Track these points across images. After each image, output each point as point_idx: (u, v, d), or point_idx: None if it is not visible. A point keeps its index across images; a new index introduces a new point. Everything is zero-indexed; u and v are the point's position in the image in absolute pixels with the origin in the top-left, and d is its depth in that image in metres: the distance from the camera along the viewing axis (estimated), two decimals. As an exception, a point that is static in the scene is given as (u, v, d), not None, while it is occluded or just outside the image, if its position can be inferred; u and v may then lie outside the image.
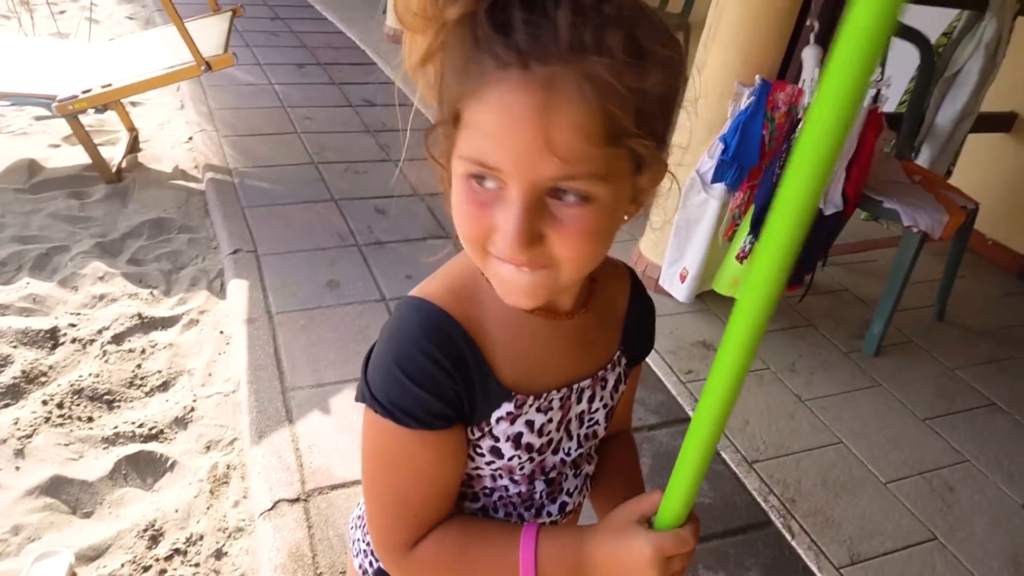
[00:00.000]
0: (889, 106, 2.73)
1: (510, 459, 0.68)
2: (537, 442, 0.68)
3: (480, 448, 0.67)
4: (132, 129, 3.34)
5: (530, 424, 0.67)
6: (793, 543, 1.78)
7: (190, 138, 3.46)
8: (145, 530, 1.62)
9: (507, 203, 0.53)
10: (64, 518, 1.64)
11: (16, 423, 1.82)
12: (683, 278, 2.53)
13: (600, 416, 0.74)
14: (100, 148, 3.00)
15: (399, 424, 0.60)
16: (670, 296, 2.61)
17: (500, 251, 0.55)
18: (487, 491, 0.72)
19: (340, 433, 1.87)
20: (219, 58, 2.91)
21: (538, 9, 0.48)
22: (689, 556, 0.61)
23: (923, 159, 2.90)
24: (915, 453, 2.13)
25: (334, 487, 1.72)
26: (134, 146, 3.29)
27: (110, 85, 2.86)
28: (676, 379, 2.27)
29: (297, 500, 1.67)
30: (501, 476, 0.71)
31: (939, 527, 1.89)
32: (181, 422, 1.92)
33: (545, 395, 0.67)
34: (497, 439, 0.66)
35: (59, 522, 1.62)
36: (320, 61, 4.61)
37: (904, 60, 2.74)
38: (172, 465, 1.80)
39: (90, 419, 1.90)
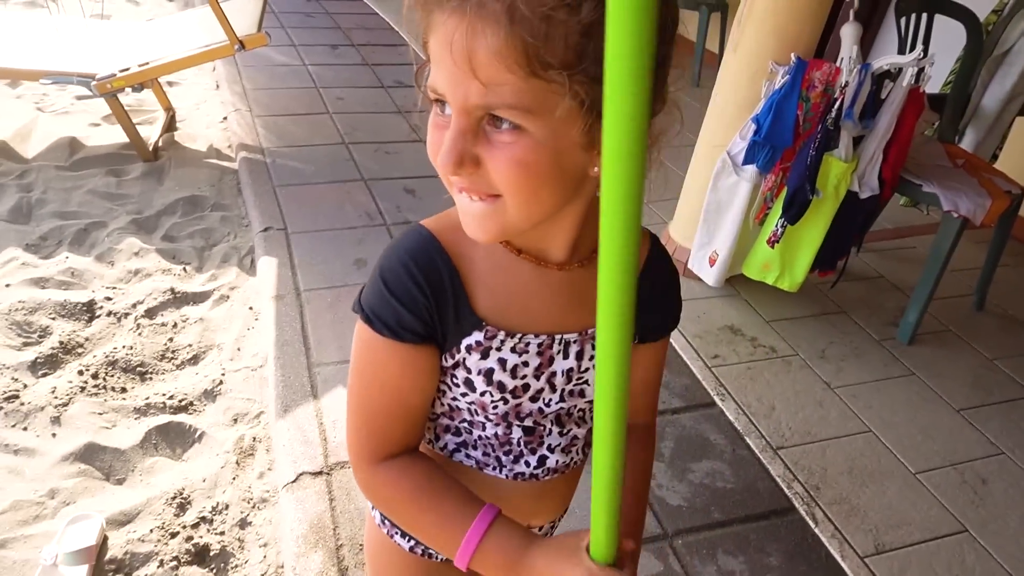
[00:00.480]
0: (933, 86, 2.63)
1: (482, 394, 0.71)
2: (510, 383, 0.71)
3: (456, 378, 0.71)
4: (169, 109, 3.40)
5: (502, 362, 0.69)
6: (816, 530, 1.75)
7: (224, 118, 3.51)
8: (173, 498, 1.67)
9: (449, 128, 0.57)
10: (97, 484, 1.69)
11: (54, 391, 1.88)
12: (712, 262, 2.49)
13: (590, 377, 0.74)
14: (138, 127, 3.07)
15: (374, 331, 0.65)
16: (699, 280, 2.58)
17: (440, 169, 0.59)
18: (467, 426, 0.76)
19: (363, 409, 1.89)
20: (252, 37, 2.94)
21: None
22: None
23: (967, 142, 2.80)
24: (948, 444, 2.08)
25: (356, 461, 1.74)
26: (170, 125, 3.36)
27: (147, 64, 2.91)
28: (702, 363, 2.24)
29: (320, 473, 1.70)
30: (477, 412, 0.74)
31: (970, 520, 1.84)
32: (210, 395, 1.97)
33: (520, 336, 0.69)
34: (469, 371, 0.70)
35: (92, 487, 1.68)
36: (354, 42, 4.63)
37: (951, 38, 2.64)
38: (200, 436, 1.84)
39: (123, 390, 1.95)
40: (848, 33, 2.08)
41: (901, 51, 2.56)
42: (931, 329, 2.56)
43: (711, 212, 2.42)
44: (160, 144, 3.18)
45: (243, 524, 1.64)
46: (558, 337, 0.70)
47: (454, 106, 0.56)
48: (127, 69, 2.87)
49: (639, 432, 0.83)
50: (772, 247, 2.29)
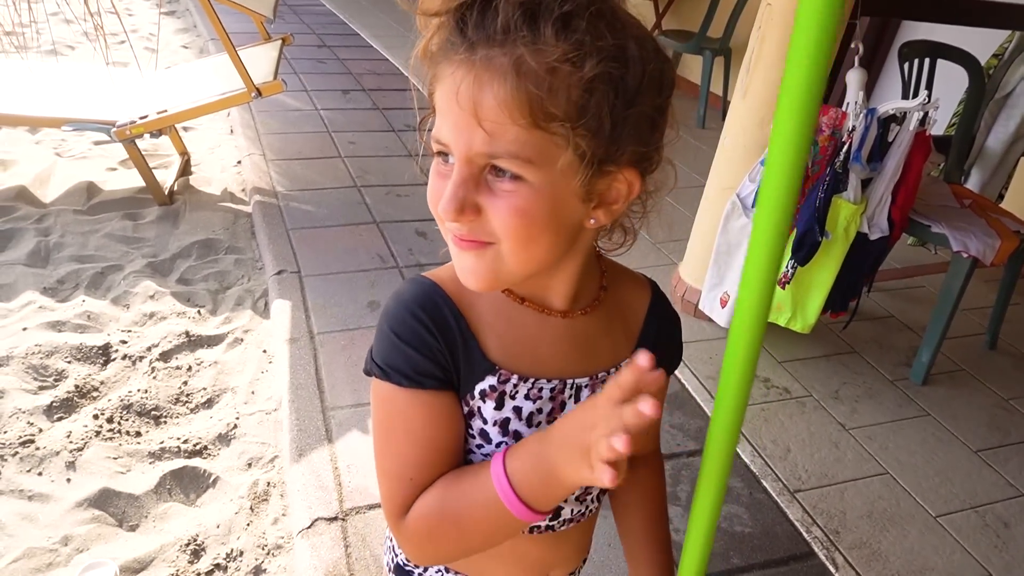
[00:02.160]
0: (937, 129, 2.67)
1: (498, 445, 0.70)
2: (526, 431, 0.70)
3: (471, 429, 0.70)
4: (184, 153, 3.47)
5: (518, 411, 0.69)
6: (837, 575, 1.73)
7: (239, 162, 3.57)
8: (187, 544, 1.65)
9: (452, 175, 0.59)
10: (111, 530, 1.68)
11: (69, 436, 1.88)
12: (724, 303, 2.50)
13: None
14: (154, 171, 3.12)
15: (392, 383, 0.65)
16: (711, 321, 2.58)
17: (441, 218, 0.60)
18: None
19: (378, 453, 1.88)
20: (269, 85, 3.01)
21: (490, 5, 0.55)
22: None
23: (973, 183, 2.83)
24: (967, 486, 2.05)
25: (371, 507, 1.73)
26: (186, 169, 3.41)
27: (165, 111, 2.98)
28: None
29: (335, 519, 1.69)
30: None
31: (993, 564, 1.81)
32: (224, 439, 1.97)
33: (533, 380, 0.69)
34: (485, 421, 0.69)
35: (106, 534, 1.67)
36: (364, 87, 4.73)
37: (953, 82, 2.69)
38: (215, 481, 1.84)
39: (138, 434, 1.95)
40: (854, 79, 2.13)
41: (905, 95, 2.60)
42: (944, 369, 2.55)
43: (722, 254, 2.44)
44: (175, 188, 3.23)
45: (257, 571, 1.62)
46: (569, 382, 0.71)
47: (457, 154, 0.58)
48: (146, 116, 2.93)
49: (650, 463, 0.88)
50: (783, 288, 2.30)
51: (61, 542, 1.63)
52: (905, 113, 2.14)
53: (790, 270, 2.26)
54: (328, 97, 4.45)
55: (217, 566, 1.62)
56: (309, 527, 1.66)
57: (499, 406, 0.68)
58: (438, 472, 0.68)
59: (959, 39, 2.64)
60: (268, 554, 1.66)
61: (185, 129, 3.84)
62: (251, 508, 1.77)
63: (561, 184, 0.58)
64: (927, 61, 2.66)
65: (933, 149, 2.30)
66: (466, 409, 0.69)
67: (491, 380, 0.67)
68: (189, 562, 1.62)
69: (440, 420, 0.68)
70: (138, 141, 3.01)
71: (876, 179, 2.20)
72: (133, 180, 3.21)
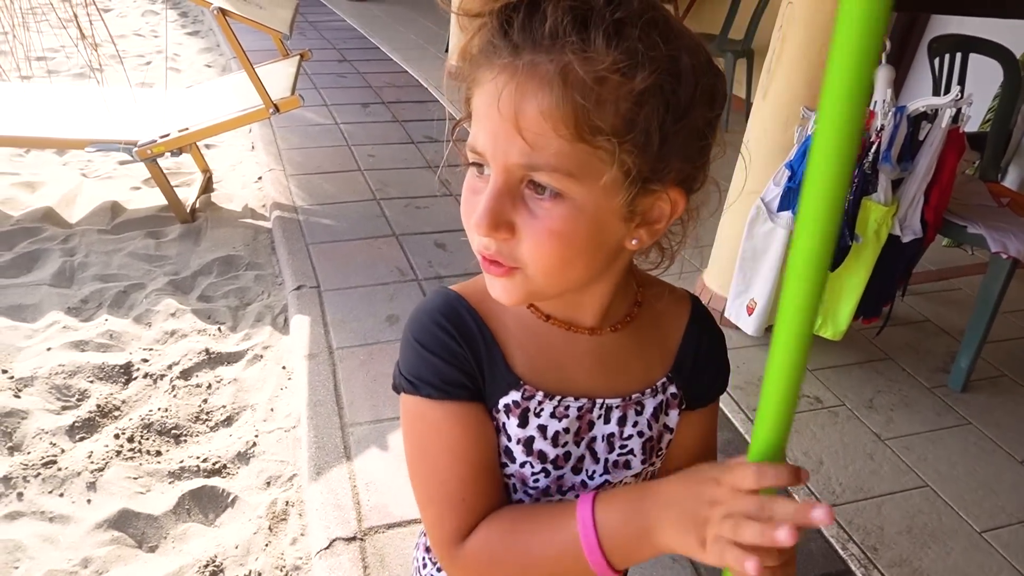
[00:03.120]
0: (972, 125, 2.58)
1: (522, 465, 0.67)
2: (551, 452, 0.67)
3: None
4: (206, 171, 3.50)
5: (543, 429, 0.66)
6: (876, 597, 1.65)
7: (259, 178, 3.59)
8: (206, 566, 1.63)
9: (487, 189, 0.55)
10: (130, 552, 1.67)
11: (90, 456, 1.88)
12: (751, 310, 2.43)
13: (635, 445, 0.70)
14: (176, 189, 3.15)
15: (421, 395, 0.63)
16: (737, 328, 2.51)
17: (472, 231, 0.57)
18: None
19: (397, 470, 1.85)
20: (286, 100, 3.02)
21: (538, 8, 0.51)
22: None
23: (1011, 180, 2.73)
24: (1013, 498, 1.96)
25: (390, 526, 1.70)
26: (207, 187, 3.44)
27: (186, 129, 3.00)
28: (744, 416, 2.16)
29: (353, 539, 1.66)
30: (516, 488, 0.69)
31: (1044, 583, 1.72)
32: (243, 457, 1.95)
33: (560, 398, 0.66)
34: (509, 438, 0.66)
35: (125, 556, 1.66)
36: (384, 100, 4.74)
37: (988, 77, 2.59)
38: (233, 501, 1.82)
39: (158, 453, 1.95)
40: (881, 76, 2.05)
41: (936, 92, 2.52)
42: (985, 375, 2.45)
43: (747, 260, 2.37)
44: (197, 205, 3.25)
45: (276, 593, 1.60)
46: (599, 401, 0.67)
47: (494, 165, 0.54)
48: (167, 135, 2.96)
49: None
50: (812, 294, 2.22)
51: (81, 564, 1.62)
52: (936, 110, 2.06)
53: (819, 275, 2.18)
54: (348, 111, 4.47)
55: (235, 588, 1.60)
56: (327, 547, 1.63)
57: (523, 423, 0.65)
58: (486, 492, 0.64)
59: (992, 32, 2.55)
60: (286, 575, 1.64)
61: (207, 147, 3.88)
62: (269, 528, 1.74)
63: (603, 202, 0.54)
64: (958, 56, 2.57)
65: (967, 147, 2.22)
66: (491, 425, 0.66)
67: (515, 395, 0.64)
68: (207, 584, 1.60)
69: (476, 433, 0.65)
70: (160, 160, 3.04)
71: (907, 179, 2.13)
72: (156, 199, 3.24)
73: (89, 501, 1.78)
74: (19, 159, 3.59)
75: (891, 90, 2.02)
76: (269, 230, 3.12)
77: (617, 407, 0.68)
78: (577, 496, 0.68)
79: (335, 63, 5.49)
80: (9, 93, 3.54)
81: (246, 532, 1.73)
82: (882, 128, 2.02)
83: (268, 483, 1.88)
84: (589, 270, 0.59)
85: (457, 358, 0.63)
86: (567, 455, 0.68)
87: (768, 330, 2.52)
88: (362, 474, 1.84)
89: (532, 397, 0.65)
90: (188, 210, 3.14)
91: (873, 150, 2.03)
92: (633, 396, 0.68)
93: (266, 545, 1.70)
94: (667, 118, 0.53)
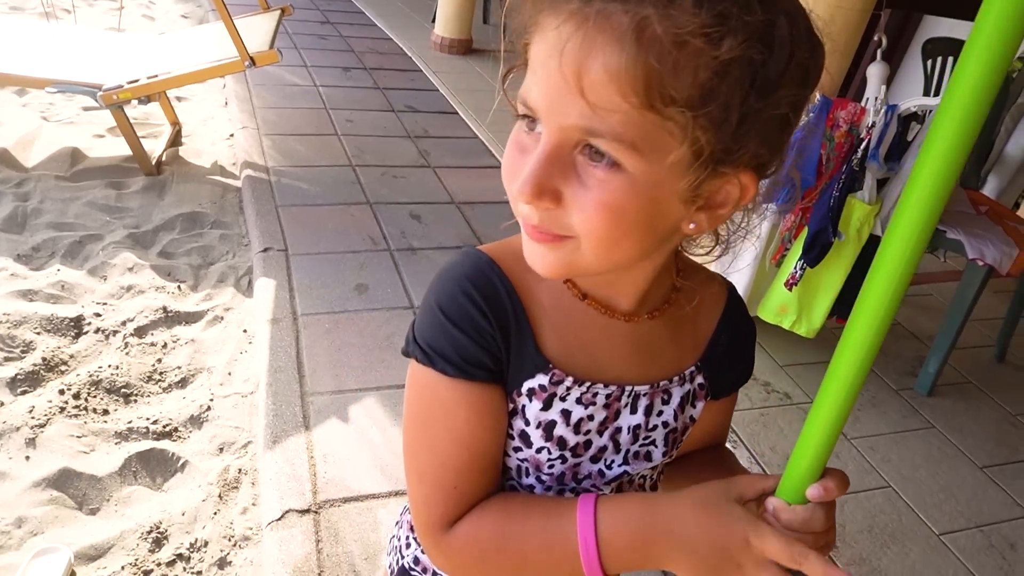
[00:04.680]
0: (955, 131, 2.58)
1: (538, 451, 0.62)
2: (572, 439, 0.61)
3: (510, 430, 0.61)
4: (175, 123, 3.35)
5: (566, 415, 0.60)
6: (835, 595, 1.64)
7: (231, 135, 3.46)
8: (149, 532, 1.56)
9: (536, 148, 0.49)
10: (69, 513, 1.58)
11: (31, 411, 1.78)
12: (725, 301, 2.41)
13: (658, 437, 0.66)
14: (143, 140, 3.01)
15: (436, 370, 0.57)
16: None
17: (514, 197, 0.51)
18: (512, 489, 0.65)
19: (357, 443, 1.79)
20: (264, 54, 2.89)
21: None
22: (820, 539, 0.53)
23: (989, 189, 2.74)
24: (972, 504, 1.97)
25: (346, 500, 1.64)
26: (176, 140, 3.30)
27: (156, 76, 2.86)
28: (713, 408, 2.14)
29: (307, 511, 1.60)
30: (528, 472, 0.64)
31: (998, 588, 1.73)
32: (196, 421, 1.87)
33: (589, 385, 0.60)
34: (528, 422, 0.60)
35: (63, 517, 1.57)
36: (366, 65, 4.61)
37: (973, 84, 2.59)
38: (183, 465, 1.74)
39: (105, 412, 1.85)
40: (875, 73, 2.02)
41: (927, 93, 2.50)
42: (951, 380, 2.46)
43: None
44: (164, 158, 3.12)
45: (222, 564, 1.53)
46: (628, 389, 0.62)
47: (548, 125, 0.48)
48: (135, 81, 2.82)
49: (719, 447, 0.78)
50: (790, 290, 2.20)
51: (14, 524, 1.53)
52: (927, 111, 2.04)
53: (799, 271, 2.16)
54: (328, 74, 4.33)
55: (179, 556, 1.52)
56: (279, 519, 1.57)
57: (546, 407, 0.60)
58: (481, 481, 0.60)
59: (983, 39, 2.54)
60: (235, 546, 1.57)
61: (178, 99, 3.72)
62: (220, 496, 1.67)
63: (666, 181, 0.48)
64: (951, 60, 2.55)
65: (952, 151, 2.20)
66: (510, 406, 0.61)
67: (542, 379, 0.59)
68: (150, 551, 1.53)
69: (487, 419, 0.59)
70: (127, 109, 2.90)
71: (893, 179, 2.11)
72: (120, 148, 3.09)
73: (28, 458, 1.68)
74: (-25, 97, 3.41)
75: (885, 87, 1.99)
76: (238, 189, 3.00)
77: (645, 395, 0.63)
78: (593, 486, 0.65)
79: (317, 24, 5.32)
80: (-33, 26, 3.35)
81: (194, 499, 1.65)
82: (873, 125, 1.99)
83: (221, 449, 1.80)
84: (637, 251, 0.53)
85: (483, 336, 0.57)
86: (588, 443, 0.63)
87: (742, 323, 2.50)
88: (320, 445, 1.77)
89: (561, 382, 0.59)
90: (153, 162, 3.01)
91: (862, 147, 2.00)
92: (661, 384, 0.64)
93: (215, 513, 1.63)
94: (751, 94, 0.46)
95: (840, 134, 2.08)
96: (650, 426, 0.65)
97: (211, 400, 1.93)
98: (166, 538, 1.56)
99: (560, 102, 0.47)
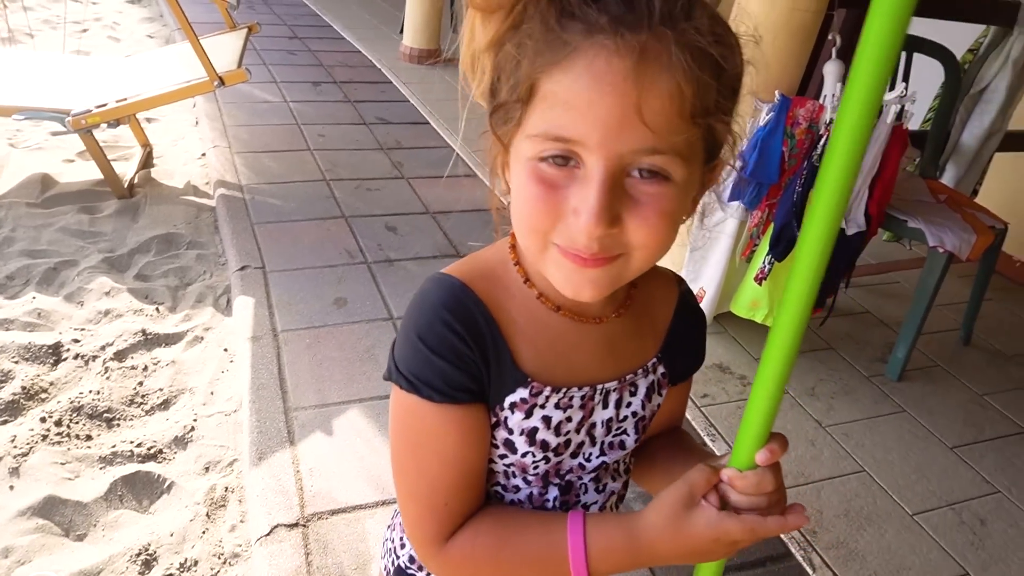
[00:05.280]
0: (914, 123, 2.65)
1: (523, 455, 0.65)
2: (554, 441, 0.65)
3: (494, 440, 0.65)
4: (146, 145, 3.35)
5: (547, 420, 0.64)
6: (815, 578, 1.69)
7: (203, 154, 3.46)
8: (138, 554, 1.56)
9: (585, 181, 0.51)
10: (56, 540, 1.59)
11: (13, 441, 1.78)
12: (700, 299, 2.46)
13: (629, 426, 0.70)
14: (114, 163, 3.00)
15: (422, 397, 0.59)
16: (686, 317, 2.54)
17: (572, 236, 0.52)
18: (499, 490, 0.69)
19: (342, 455, 1.81)
20: (232, 73, 2.91)
21: None
22: (770, 497, 0.58)
23: (948, 178, 2.82)
24: (943, 483, 2.03)
25: (334, 512, 1.66)
26: (147, 162, 3.30)
27: (124, 100, 2.86)
28: (692, 403, 2.19)
29: (295, 525, 1.61)
30: (514, 475, 0.68)
31: (970, 562, 1.79)
32: (180, 442, 1.88)
33: (565, 390, 0.64)
34: (511, 431, 0.64)
35: (51, 544, 1.57)
36: (336, 79, 4.63)
37: (929, 76, 2.67)
38: (169, 487, 1.75)
39: (88, 437, 1.86)
40: (831, 71, 2.09)
41: (881, 88, 2.58)
42: (919, 365, 2.54)
43: (697, 249, 2.40)
44: (136, 181, 3.11)
45: (212, 582, 1.54)
46: (599, 387, 0.66)
47: (601, 154, 0.50)
48: (104, 105, 2.82)
49: (675, 430, 0.82)
50: (760, 284, 2.26)
51: (1, 554, 1.53)
52: (882, 106, 2.11)
53: (767, 265, 2.22)
54: (298, 89, 4.34)
55: (170, 577, 1.54)
56: (268, 534, 1.58)
57: (528, 416, 0.64)
58: (470, 498, 0.64)
59: (936, 34, 2.62)
60: (224, 563, 1.58)
61: (148, 120, 3.71)
62: (207, 515, 1.68)
63: (693, 180, 0.54)
64: (903, 54, 2.63)
65: (909, 144, 2.28)
66: (493, 420, 0.64)
67: (523, 392, 0.62)
68: (140, 573, 1.53)
69: (473, 437, 0.62)
70: (97, 132, 2.89)
71: (853, 173, 2.17)
72: (91, 172, 3.08)
73: (11, 488, 1.68)
74: (-60, 126, 3.38)
75: (841, 84, 2.06)
76: (212, 208, 3.01)
77: (614, 390, 0.67)
78: (578, 478, 0.70)
79: (286, 39, 5.33)
80: (-71, 55, 3.32)
81: (182, 519, 1.66)
82: (831, 122, 2.05)
83: (207, 468, 1.81)
84: (670, 247, 0.58)
85: (465, 360, 0.59)
86: (567, 442, 0.67)
87: (717, 318, 2.56)
88: (306, 459, 1.79)
89: (540, 393, 0.63)
90: (126, 185, 3.00)
91: (822, 143, 2.07)
92: (627, 377, 0.68)
93: (203, 532, 1.64)
94: (735, 93, 0.54)
95: (800, 131, 2.14)
96: (621, 417, 0.69)
97: (194, 420, 1.94)
98: (155, 560, 1.57)
99: (618, 130, 0.49)
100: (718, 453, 2.02)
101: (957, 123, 2.75)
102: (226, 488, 1.75)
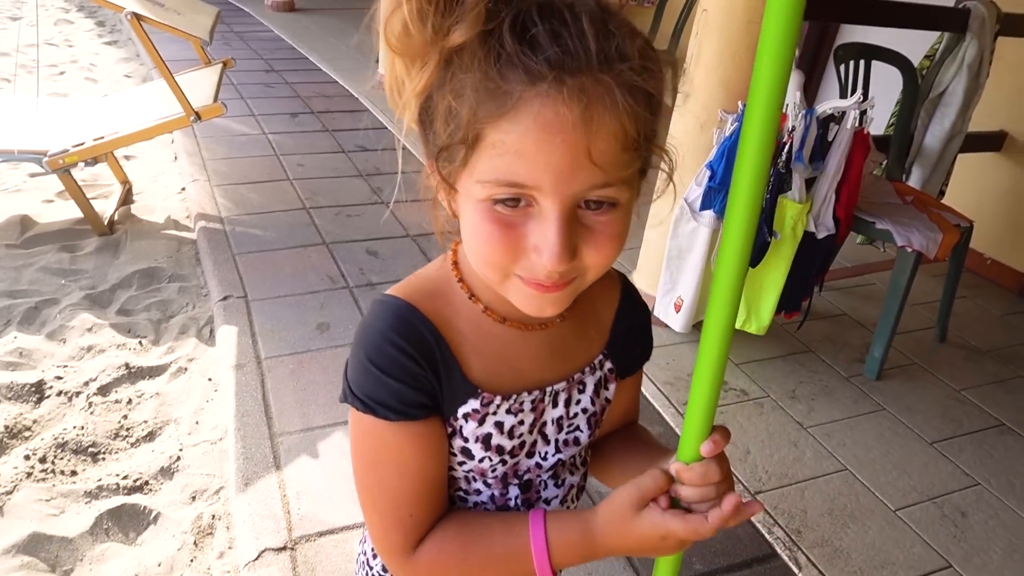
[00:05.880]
0: (878, 128, 2.73)
1: (481, 460, 0.68)
2: (508, 444, 0.68)
3: (452, 448, 0.67)
4: (125, 182, 3.37)
5: (499, 426, 0.67)
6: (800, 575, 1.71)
7: (183, 188, 3.48)
8: (126, 586, 1.56)
9: (542, 219, 0.53)
10: (42, 577, 1.58)
11: (-3, 479, 1.78)
12: (678, 307, 2.50)
13: (581, 422, 0.72)
14: (94, 202, 3.02)
15: (378, 417, 0.61)
16: (666, 327, 2.58)
17: (535, 270, 0.55)
18: (462, 494, 0.71)
19: (329, 477, 1.82)
20: (208, 108, 2.94)
21: (559, 23, 0.50)
22: (718, 488, 0.60)
23: (914, 180, 2.89)
24: (924, 478, 2.06)
25: (322, 534, 1.66)
26: (127, 198, 3.31)
27: (102, 138, 2.89)
28: (674, 410, 2.21)
29: (283, 548, 1.62)
30: (474, 479, 0.70)
31: (953, 554, 1.81)
32: (166, 472, 1.88)
33: (515, 396, 0.67)
34: (467, 439, 0.66)
35: (37, 581, 1.57)
36: (313, 110, 4.68)
37: (890, 83, 2.75)
38: (156, 517, 1.75)
39: (73, 473, 1.85)
40: (791, 81, 2.15)
41: (843, 96, 2.65)
42: (897, 363, 2.58)
43: (673, 258, 2.44)
44: (116, 217, 3.13)
45: (201, 610, 1.54)
46: (549, 389, 0.69)
47: (554, 196, 0.52)
48: (81, 144, 2.84)
49: (632, 424, 0.85)
50: (735, 290, 2.30)
51: (-13, 593, 1.52)
52: (843, 113, 2.17)
53: (740, 272, 2.26)
54: (276, 121, 4.39)
55: (158, 607, 1.53)
56: (256, 559, 1.59)
57: (481, 423, 0.66)
58: (432, 507, 0.66)
59: (893, 41, 2.71)
60: (213, 591, 1.58)
61: (126, 158, 3.74)
62: (195, 543, 1.68)
63: (634, 196, 0.58)
64: (862, 63, 2.72)
65: (874, 148, 2.34)
66: (448, 430, 0.66)
67: (474, 403, 0.65)
68: (128, 605, 1.53)
69: (430, 449, 0.65)
70: (75, 171, 2.91)
71: (819, 178, 2.23)
72: (71, 212, 3.10)
73: (-4, 526, 1.68)
74: (-82, 172, 3.38)
75: (800, 93, 2.12)
76: (193, 241, 3.03)
77: (563, 390, 0.70)
78: (537, 477, 0.73)
79: (262, 73, 5.38)
80: (-94, 102, 3.33)
81: (170, 549, 1.66)
82: (793, 129, 2.11)
83: (193, 497, 1.81)
84: None
85: (416, 379, 0.61)
86: (522, 444, 0.69)
87: (696, 327, 2.59)
88: (292, 483, 1.80)
89: (491, 402, 0.65)
90: (106, 222, 3.02)
91: (786, 150, 2.13)
92: (575, 376, 0.71)
93: (191, 560, 1.64)
94: (658, 114, 0.57)
95: (765, 140, 2.19)
96: (571, 415, 0.71)
97: (180, 450, 1.94)
98: (143, 591, 1.57)
99: (569, 175, 0.51)
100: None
101: (919, 127, 2.83)
102: (213, 516, 1.75)
